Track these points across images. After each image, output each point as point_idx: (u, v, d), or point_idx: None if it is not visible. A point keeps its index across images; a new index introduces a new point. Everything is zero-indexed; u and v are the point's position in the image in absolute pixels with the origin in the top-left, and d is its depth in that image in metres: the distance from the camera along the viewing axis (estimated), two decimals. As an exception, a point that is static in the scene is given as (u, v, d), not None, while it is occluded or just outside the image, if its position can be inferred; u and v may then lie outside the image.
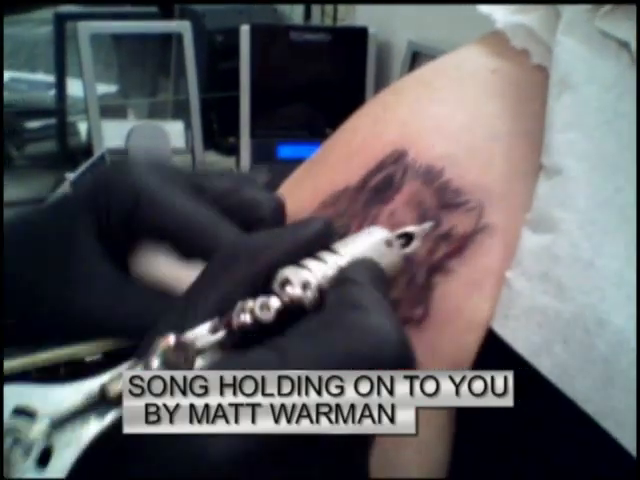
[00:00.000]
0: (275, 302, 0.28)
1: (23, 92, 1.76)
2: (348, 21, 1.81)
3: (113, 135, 1.51)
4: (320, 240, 0.31)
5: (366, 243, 0.32)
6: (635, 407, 0.34)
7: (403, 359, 0.27)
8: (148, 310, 0.32)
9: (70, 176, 1.32)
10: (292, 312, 0.28)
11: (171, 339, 0.26)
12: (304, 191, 0.43)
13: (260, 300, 0.27)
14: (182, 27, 1.57)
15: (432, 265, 0.38)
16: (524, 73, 0.43)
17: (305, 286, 0.28)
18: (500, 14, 0.45)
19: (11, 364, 0.34)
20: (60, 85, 1.63)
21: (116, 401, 0.26)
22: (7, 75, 1.82)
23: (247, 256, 0.29)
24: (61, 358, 0.35)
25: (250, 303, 0.27)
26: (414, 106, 0.43)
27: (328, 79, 1.60)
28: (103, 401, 0.26)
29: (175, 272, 0.33)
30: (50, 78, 1.72)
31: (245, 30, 1.51)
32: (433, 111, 0.42)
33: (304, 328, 0.27)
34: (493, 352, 0.36)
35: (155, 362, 0.26)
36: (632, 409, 0.34)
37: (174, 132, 1.60)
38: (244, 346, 0.27)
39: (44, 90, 1.76)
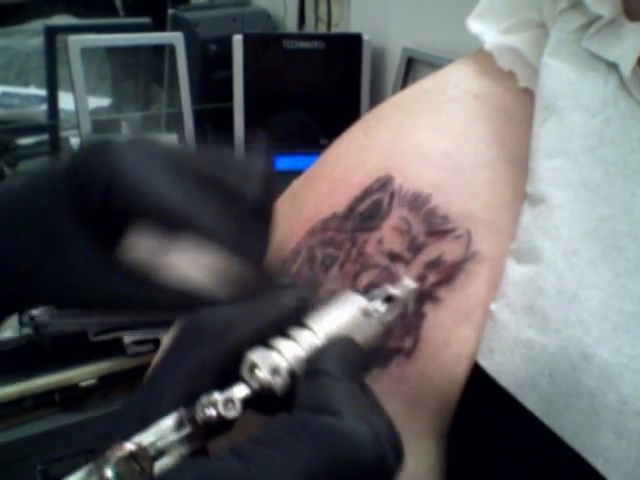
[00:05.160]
0: (242, 391, 0.26)
1: (15, 107, 1.75)
2: (342, 28, 1.80)
3: (106, 150, 1.49)
4: (293, 316, 0.29)
5: (342, 316, 0.29)
6: (622, 443, 0.33)
7: (380, 465, 0.25)
8: (131, 291, 0.32)
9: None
10: (262, 396, 0.27)
11: (125, 449, 0.24)
12: (291, 219, 0.42)
13: (225, 395, 0.26)
14: (174, 38, 1.55)
15: (422, 293, 0.37)
16: (509, 97, 0.42)
17: (275, 371, 0.27)
18: (489, 34, 0.45)
19: (7, 391, 0.34)
20: (52, 100, 1.61)
21: None
22: (-1, 90, 1.82)
23: (213, 337, 0.28)
24: (56, 384, 0.35)
25: (215, 395, 0.26)
26: (396, 132, 0.42)
27: (323, 87, 1.59)
28: None
29: (156, 253, 0.31)
30: (43, 92, 1.71)
31: (238, 40, 1.50)
32: (416, 137, 0.41)
33: (271, 432, 0.25)
34: (481, 384, 0.36)
35: (109, 473, 0.24)
36: (619, 445, 0.33)
37: (168, 145, 1.59)
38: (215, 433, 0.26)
39: (36, 104, 1.75)
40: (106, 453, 0.24)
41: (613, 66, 0.39)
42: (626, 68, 0.38)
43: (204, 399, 0.26)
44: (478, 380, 0.36)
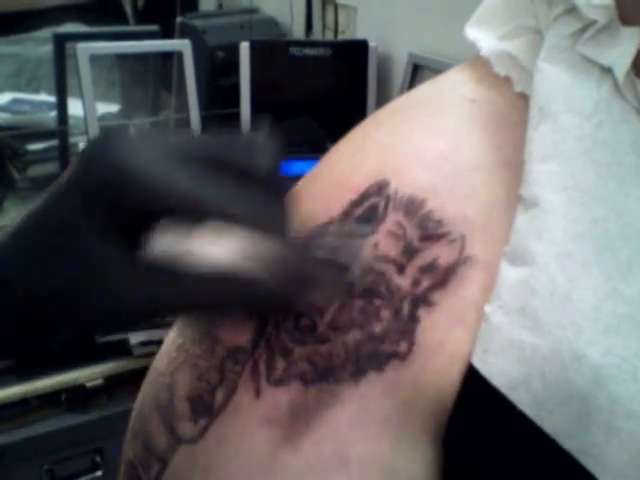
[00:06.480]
0: None
1: (25, 113, 1.77)
2: (348, 35, 1.81)
3: (114, 155, 1.50)
4: None
5: None
6: (613, 443, 0.33)
7: None
8: (160, 293, 0.32)
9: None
10: None
11: None
12: None
13: None
14: (182, 45, 1.57)
15: (416, 297, 0.37)
16: (505, 102, 0.43)
17: None
18: (486, 40, 0.45)
19: (14, 391, 0.35)
20: (61, 106, 1.63)
21: None
22: (9, 96, 1.83)
23: None
24: (62, 384, 0.36)
25: None
26: (393, 136, 0.42)
27: (329, 93, 1.60)
28: None
29: (182, 246, 0.32)
30: (53, 98, 1.72)
31: (245, 46, 1.51)
32: (413, 141, 0.41)
33: None
34: (476, 385, 0.36)
35: None
36: (610, 445, 0.33)
37: (175, 151, 1.60)
38: None
39: (47, 110, 1.76)
40: None
41: (607, 70, 0.39)
42: (620, 72, 0.38)
43: None
44: (473, 382, 0.36)
